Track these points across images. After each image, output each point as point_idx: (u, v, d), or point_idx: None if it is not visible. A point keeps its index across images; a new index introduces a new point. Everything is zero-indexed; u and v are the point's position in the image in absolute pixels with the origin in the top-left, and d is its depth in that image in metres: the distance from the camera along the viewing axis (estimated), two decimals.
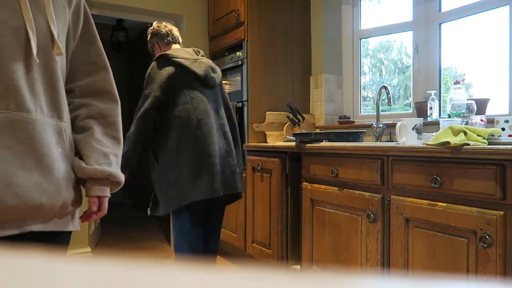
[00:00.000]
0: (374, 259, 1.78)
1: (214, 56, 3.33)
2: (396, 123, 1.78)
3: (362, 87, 3.04)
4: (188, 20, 3.34)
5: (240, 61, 2.91)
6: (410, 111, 2.62)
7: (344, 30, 3.07)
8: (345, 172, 1.95)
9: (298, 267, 2.33)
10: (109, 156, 1.01)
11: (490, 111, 2.10)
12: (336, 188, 2.01)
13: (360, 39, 3.02)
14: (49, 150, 0.89)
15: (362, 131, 2.20)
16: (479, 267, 1.36)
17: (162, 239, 3.76)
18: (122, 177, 1.04)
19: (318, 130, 3.02)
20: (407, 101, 2.83)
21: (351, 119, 2.88)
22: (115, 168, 1.02)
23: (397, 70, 3.01)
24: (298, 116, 2.87)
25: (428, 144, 1.54)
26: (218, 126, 2.12)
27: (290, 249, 2.42)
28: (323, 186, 2.10)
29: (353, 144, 1.90)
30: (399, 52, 3.00)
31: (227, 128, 2.17)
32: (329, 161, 2.05)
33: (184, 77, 2.03)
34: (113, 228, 4.18)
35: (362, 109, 3.02)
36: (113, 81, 1.07)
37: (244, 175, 2.82)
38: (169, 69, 2.01)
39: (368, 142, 1.95)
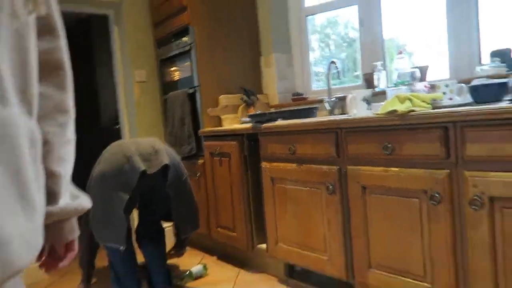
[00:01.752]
0: (336, 229, 1.84)
1: (160, 43, 3.24)
2: (346, 96, 1.83)
3: (312, 63, 3.08)
4: (128, 6, 3.21)
5: (187, 47, 2.85)
6: (360, 82, 2.70)
7: (290, 8, 3.08)
8: (302, 148, 1.99)
9: (264, 246, 2.37)
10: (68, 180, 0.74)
11: (433, 77, 2.21)
12: (295, 164, 2.05)
13: (306, 16, 3.05)
14: (27, 172, 0.58)
15: (315, 107, 2.25)
16: (432, 224, 1.44)
17: None
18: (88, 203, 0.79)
19: (272, 109, 3.04)
20: (356, 73, 2.91)
21: (304, 96, 2.92)
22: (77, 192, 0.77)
23: (345, 44, 3.07)
24: (252, 97, 2.88)
25: (377, 114, 1.60)
26: None
27: (255, 229, 2.46)
28: (282, 164, 2.13)
29: (307, 120, 1.94)
30: (346, 27, 3.06)
31: None
32: (286, 139, 2.08)
33: None
34: None
35: (315, 85, 3.07)
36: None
37: (202, 160, 2.81)
38: None
39: (321, 117, 2.00)
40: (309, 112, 2.20)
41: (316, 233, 1.96)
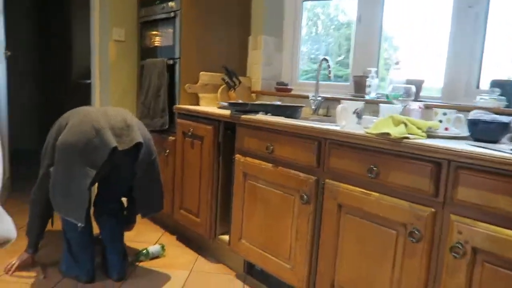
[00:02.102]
0: (304, 240, 1.77)
1: (143, 3, 2.98)
2: (333, 98, 1.71)
3: (299, 53, 2.93)
4: None
5: (172, 13, 2.62)
6: (348, 83, 2.58)
7: None
8: (281, 149, 1.87)
9: (226, 238, 2.28)
10: None
11: (425, 92, 2.12)
12: (271, 164, 1.93)
13: (303, 1, 2.87)
14: None
15: (300, 106, 2.12)
16: (405, 260, 1.38)
17: None
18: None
19: (254, 96, 2.90)
20: (339, 58, 2.79)
21: (288, 86, 2.78)
22: None
23: (332, 27, 2.92)
24: (234, 79, 2.71)
25: (368, 133, 1.49)
26: None
27: (219, 219, 2.36)
28: (257, 161, 2.01)
29: (291, 122, 1.81)
30: (336, 8, 2.90)
31: None
32: (264, 136, 1.95)
33: None
34: (28, 181, 3.80)
35: (300, 76, 2.93)
36: None
37: (173, 138, 2.65)
38: None
39: (305, 121, 1.87)
40: (294, 111, 2.08)
41: (283, 240, 1.88)
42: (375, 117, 1.73)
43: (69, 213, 1.91)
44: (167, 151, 2.69)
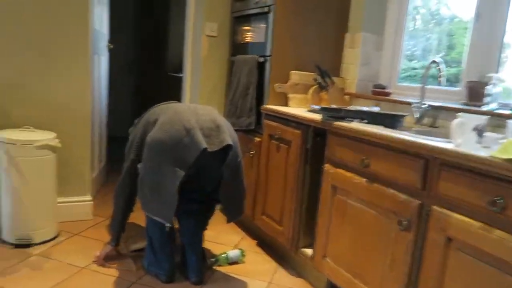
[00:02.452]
0: (399, 272, 1.54)
1: None
2: (443, 107, 1.45)
3: (402, 52, 2.63)
4: None
5: (266, 8, 2.50)
6: (459, 88, 2.25)
7: None
8: (378, 164, 1.66)
9: (309, 252, 2.13)
10: None
11: None
12: (365, 179, 1.73)
13: None
14: None
15: (403, 116, 1.87)
16: None
17: None
18: None
19: (347, 98, 2.68)
20: (439, 55, 2.44)
21: (387, 90, 2.51)
22: None
23: (433, 21, 2.57)
24: (327, 79, 2.52)
25: (493, 156, 1.22)
26: None
27: (302, 231, 2.21)
28: (349, 174, 1.82)
29: (393, 134, 1.59)
30: (439, 2, 2.55)
31: None
32: (359, 147, 1.75)
33: None
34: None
35: (399, 78, 2.64)
36: None
37: (259, 139, 2.55)
38: None
39: (409, 133, 1.63)
40: (395, 121, 1.84)
41: (374, 266, 1.67)
42: (501, 135, 1.44)
43: (157, 212, 1.89)
44: (253, 152, 2.60)
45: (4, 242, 2.25)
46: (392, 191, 1.60)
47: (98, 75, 3.14)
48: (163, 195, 1.86)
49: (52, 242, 2.32)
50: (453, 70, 2.35)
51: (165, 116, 1.96)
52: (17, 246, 2.23)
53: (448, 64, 2.41)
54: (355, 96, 2.63)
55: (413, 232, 1.50)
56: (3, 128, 2.37)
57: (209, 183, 2.10)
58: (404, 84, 2.59)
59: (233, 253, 2.33)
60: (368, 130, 1.69)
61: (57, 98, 2.51)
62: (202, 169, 2.01)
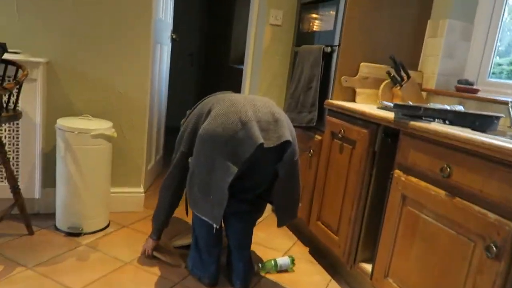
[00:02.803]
0: None
1: None
2: None
3: (497, 42, 2.24)
4: None
5: None
6: None
7: None
8: (463, 174, 1.36)
9: (368, 268, 1.87)
10: None
11: None
12: (444, 192, 1.43)
13: None
14: None
15: (498, 116, 1.53)
16: None
17: None
18: None
19: (424, 95, 2.34)
20: None
21: (474, 87, 2.15)
22: None
23: None
24: (402, 73, 2.21)
25: None
26: None
27: (362, 243, 1.94)
28: (423, 183, 1.53)
29: (484, 139, 1.28)
30: None
31: None
32: (439, 153, 1.46)
33: None
34: None
35: (491, 74, 2.25)
36: None
37: (320, 137, 2.32)
38: None
39: (506, 139, 1.31)
40: (487, 123, 1.51)
41: None
42: None
43: (205, 211, 1.75)
44: (312, 151, 2.37)
45: (57, 229, 2.25)
46: (479, 209, 1.30)
47: (159, 65, 3.09)
48: (213, 193, 1.70)
49: (101, 233, 2.29)
50: None
51: (219, 106, 1.80)
52: (69, 234, 2.21)
53: None
54: (434, 93, 2.29)
55: (504, 261, 1.19)
56: (66, 115, 2.38)
57: (262, 181, 1.91)
58: (496, 80, 2.20)
59: (283, 260, 2.13)
60: (452, 132, 1.39)
61: (116, 86, 2.47)
62: (257, 166, 1.83)
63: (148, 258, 2.07)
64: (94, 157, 2.21)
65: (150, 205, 2.71)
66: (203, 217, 1.74)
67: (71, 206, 2.22)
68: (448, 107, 1.79)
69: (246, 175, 1.87)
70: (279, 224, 1.93)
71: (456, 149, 1.38)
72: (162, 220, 2.02)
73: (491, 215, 1.25)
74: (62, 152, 2.17)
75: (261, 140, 1.65)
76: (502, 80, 2.18)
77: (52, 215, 2.33)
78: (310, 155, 2.38)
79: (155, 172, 3.32)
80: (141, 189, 2.66)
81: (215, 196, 1.68)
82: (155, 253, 2.08)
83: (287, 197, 1.89)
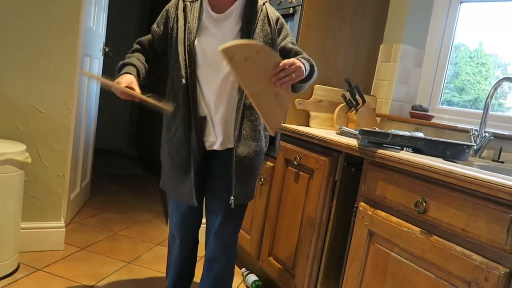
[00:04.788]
0: None
1: None
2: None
3: (447, 69, 2.22)
4: None
5: (291, 9, 2.10)
6: None
7: None
8: (441, 210, 1.21)
9: None
10: None
11: None
12: (419, 229, 1.28)
13: (460, 3, 2.17)
14: None
15: (469, 145, 1.43)
16: None
17: (160, 212, 3.15)
18: None
19: (378, 119, 2.25)
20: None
21: (428, 113, 2.09)
22: None
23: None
24: (358, 97, 2.10)
25: None
26: None
27: (321, 283, 1.74)
28: (394, 219, 1.37)
29: (466, 171, 1.15)
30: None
31: None
32: (413, 185, 1.31)
33: None
34: (107, 187, 3.57)
35: (442, 101, 2.23)
36: None
37: (271, 164, 2.12)
38: None
39: (488, 171, 1.20)
40: (459, 152, 1.40)
41: None
42: None
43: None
44: (263, 178, 2.16)
45: None
46: (461, 249, 1.15)
47: (88, 80, 2.73)
48: None
49: (7, 279, 1.86)
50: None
51: None
52: None
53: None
54: (388, 118, 2.21)
55: None
56: None
57: None
58: (449, 107, 2.17)
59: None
60: (429, 163, 1.25)
61: (32, 103, 2.08)
62: None
63: (123, 96, 1.38)
64: (0, 187, 1.81)
65: (74, 241, 2.31)
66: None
67: None
68: (408, 134, 1.69)
69: None
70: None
71: (433, 181, 1.24)
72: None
73: (477, 257, 1.11)
74: None
75: None
76: (452, 108, 2.16)
77: None
78: (260, 183, 2.16)
79: (80, 201, 2.90)
80: (61, 223, 2.25)
81: None
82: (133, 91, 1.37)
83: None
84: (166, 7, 1.55)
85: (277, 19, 1.54)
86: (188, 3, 1.49)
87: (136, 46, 1.62)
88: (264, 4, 1.54)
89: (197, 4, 1.49)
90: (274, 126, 1.43)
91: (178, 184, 1.54)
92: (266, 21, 1.50)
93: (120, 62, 1.50)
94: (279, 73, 1.32)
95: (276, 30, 1.51)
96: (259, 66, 1.31)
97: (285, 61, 1.33)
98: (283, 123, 2.09)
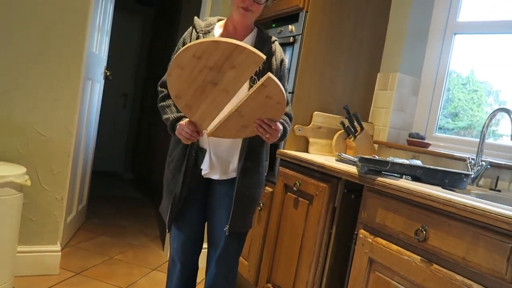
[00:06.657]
0: None
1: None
2: (508, 166, 1.04)
3: (443, 97, 2.27)
4: None
5: (291, 38, 2.16)
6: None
7: (435, 19, 2.29)
8: (441, 239, 1.23)
9: None
10: None
11: None
12: (419, 258, 1.29)
13: (454, 35, 2.24)
14: None
15: (467, 174, 1.46)
16: None
17: (156, 236, 3.12)
18: None
19: (376, 146, 2.28)
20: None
21: (425, 141, 2.13)
22: None
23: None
24: (356, 124, 2.14)
25: None
26: None
27: None
28: (395, 247, 1.38)
29: (465, 201, 1.17)
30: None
31: None
32: (413, 213, 1.33)
33: None
34: (102, 210, 3.54)
35: (437, 129, 2.27)
36: None
37: (271, 189, 2.13)
38: None
39: (489, 202, 1.22)
40: (458, 180, 1.43)
41: None
42: None
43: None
44: (262, 204, 2.17)
45: None
46: (462, 278, 1.16)
47: (89, 104, 2.76)
48: None
49: None
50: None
51: None
52: None
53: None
54: (386, 145, 2.24)
55: None
56: None
57: None
58: (445, 135, 2.21)
59: None
60: (429, 191, 1.27)
61: (34, 126, 2.10)
62: None
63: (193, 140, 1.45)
64: None
65: (69, 265, 2.29)
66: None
67: None
68: (407, 162, 1.71)
69: None
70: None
71: (433, 210, 1.26)
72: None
73: (477, 287, 1.12)
74: None
75: None
76: (450, 135, 2.20)
77: None
78: (259, 208, 2.17)
79: (76, 224, 2.87)
80: (57, 247, 2.23)
81: None
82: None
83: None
84: (183, 36, 1.59)
85: (282, 60, 1.60)
86: (201, 34, 1.52)
87: (162, 90, 1.62)
88: (274, 42, 1.59)
89: (209, 36, 1.52)
90: (216, 133, 1.40)
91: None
92: (274, 59, 1.56)
93: (170, 120, 1.52)
94: (263, 124, 1.36)
95: (278, 70, 1.56)
96: (264, 106, 1.34)
97: (276, 124, 1.38)
98: (282, 149, 2.11)
